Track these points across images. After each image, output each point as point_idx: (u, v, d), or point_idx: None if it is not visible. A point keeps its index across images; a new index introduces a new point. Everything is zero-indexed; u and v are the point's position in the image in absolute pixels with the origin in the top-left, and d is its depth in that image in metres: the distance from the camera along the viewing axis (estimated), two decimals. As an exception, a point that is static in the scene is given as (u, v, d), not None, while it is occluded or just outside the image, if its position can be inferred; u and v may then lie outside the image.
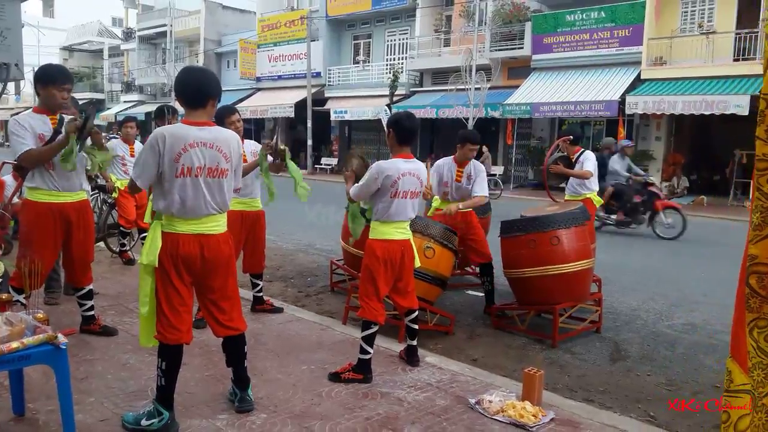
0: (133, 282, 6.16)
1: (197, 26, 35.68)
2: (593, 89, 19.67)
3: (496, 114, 21.62)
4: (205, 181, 2.98)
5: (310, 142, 28.06)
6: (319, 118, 28.08)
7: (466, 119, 21.58)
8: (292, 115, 28.86)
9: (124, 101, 41.72)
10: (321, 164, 28.80)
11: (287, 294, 6.32)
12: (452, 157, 5.63)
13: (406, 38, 26.84)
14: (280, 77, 31.14)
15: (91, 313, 4.48)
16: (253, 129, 32.66)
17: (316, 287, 6.64)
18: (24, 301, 4.00)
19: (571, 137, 6.58)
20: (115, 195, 6.82)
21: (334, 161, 28.84)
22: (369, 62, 28.18)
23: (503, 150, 23.80)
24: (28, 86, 6.83)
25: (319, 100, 28.49)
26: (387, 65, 26.85)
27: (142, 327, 3.11)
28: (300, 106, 28.27)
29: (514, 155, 22.69)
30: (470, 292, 6.57)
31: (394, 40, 27.73)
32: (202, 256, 3.02)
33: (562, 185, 6.98)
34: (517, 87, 21.81)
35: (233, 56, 33.52)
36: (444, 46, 25.38)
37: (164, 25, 36.89)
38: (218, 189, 3.03)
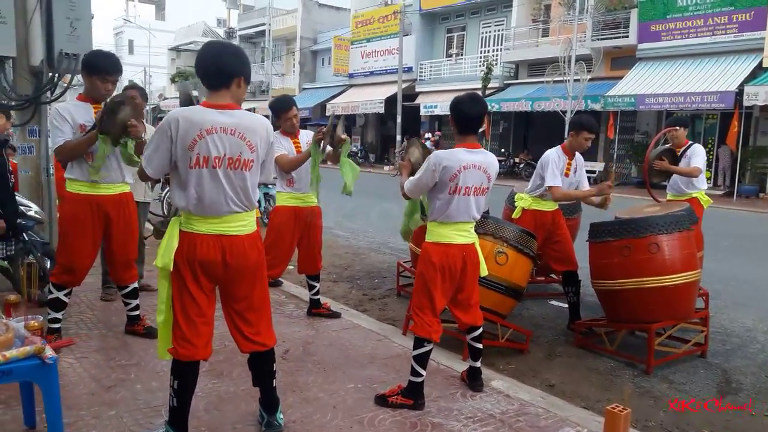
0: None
1: (294, 24, 36.29)
2: (706, 79, 17.94)
3: (597, 107, 20.28)
4: (226, 174, 2.57)
5: (399, 137, 27.69)
6: (409, 113, 27.66)
7: (564, 112, 20.40)
8: (382, 110, 28.65)
9: (225, 99, 43.20)
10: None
11: (350, 296, 5.90)
12: (560, 147, 4.89)
13: (502, 29, 25.86)
14: (371, 73, 31.01)
15: (136, 313, 4.24)
16: (345, 125, 32.81)
17: (382, 290, 6.17)
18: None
19: (678, 127, 5.70)
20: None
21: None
22: (462, 55, 27.41)
23: (604, 145, 22.32)
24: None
25: (410, 95, 28.07)
26: (480, 58, 25.96)
27: (161, 337, 2.75)
28: (390, 101, 27.98)
29: (616, 150, 21.21)
30: (554, 302, 5.86)
31: (489, 31, 26.81)
32: (224, 261, 2.62)
33: (666, 183, 6.09)
34: (620, 78, 20.37)
35: (328, 53, 33.78)
36: (542, 36, 24.19)
37: (263, 25, 37.89)
38: (241, 183, 2.61)
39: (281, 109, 4.50)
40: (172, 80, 50.21)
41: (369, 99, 29.49)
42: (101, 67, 3.78)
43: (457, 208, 3.26)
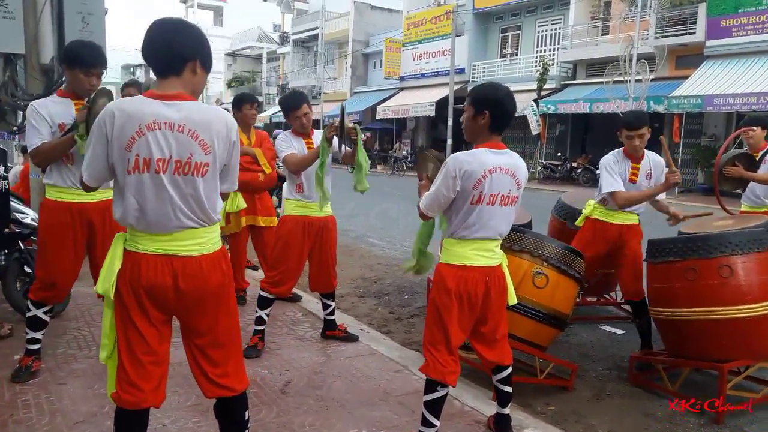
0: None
1: (346, 28, 36.13)
2: (783, 77, 16.55)
3: (660, 108, 19.08)
4: (173, 180, 2.07)
5: (450, 141, 26.98)
6: (461, 115, 26.84)
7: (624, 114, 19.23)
8: (433, 113, 28.03)
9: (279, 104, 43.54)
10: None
11: (375, 315, 5.35)
12: (621, 150, 4.29)
13: (559, 28, 24.85)
14: (423, 75, 30.46)
15: None
16: (395, 129, 32.33)
17: (411, 308, 5.59)
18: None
19: (755, 127, 4.91)
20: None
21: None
22: (517, 55, 26.51)
23: (668, 149, 21.00)
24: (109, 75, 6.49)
25: (462, 97, 27.10)
26: (536, 58, 25.00)
27: (108, 376, 2.28)
28: (442, 104, 27.32)
29: (681, 155, 19.88)
30: (606, 327, 5.14)
31: (546, 30, 25.83)
32: (176, 287, 2.11)
33: (740, 192, 5.28)
34: (686, 77, 19.11)
35: (379, 56, 33.41)
36: (602, 34, 23.07)
37: (316, 29, 37.89)
38: (193, 192, 2.10)
39: (290, 107, 4.01)
40: (228, 85, 51.06)
41: (420, 102, 28.93)
42: (84, 58, 3.37)
43: (480, 221, 2.67)
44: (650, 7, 20.04)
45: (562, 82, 23.96)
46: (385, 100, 31.93)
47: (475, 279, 2.70)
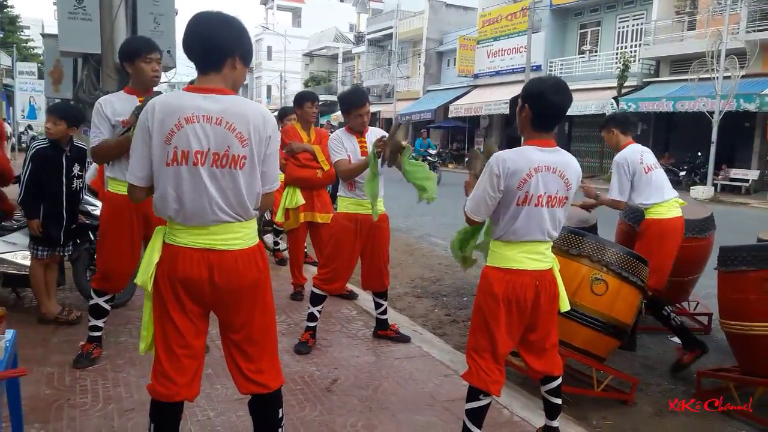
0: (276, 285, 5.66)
1: (421, 26, 36.02)
2: None
3: (751, 107, 17.93)
4: (211, 173, 2.08)
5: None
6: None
7: (711, 113, 18.22)
8: (507, 111, 27.45)
9: (353, 101, 43.95)
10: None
11: (431, 316, 5.27)
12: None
13: (641, 23, 23.76)
14: (497, 73, 29.93)
15: None
16: (467, 127, 31.98)
17: (468, 311, 5.47)
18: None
19: None
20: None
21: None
22: (596, 52, 25.58)
23: (760, 150, 19.73)
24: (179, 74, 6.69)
25: (538, 95, 26.60)
26: (616, 54, 24.05)
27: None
28: (516, 102, 26.70)
29: (774, 157, 18.65)
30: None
31: (627, 26, 24.78)
32: (211, 281, 2.13)
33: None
34: (780, 74, 17.83)
35: (453, 54, 33.09)
36: (687, 29, 21.90)
37: (390, 28, 37.98)
38: (231, 185, 2.10)
39: (353, 104, 3.95)
40: (305, 84, 52.07)
41: (493, 99, 28.43)
42: (139, 47, 3.48)
43: (528, 223, 2.55)
44: (742, -1, 18.86)
45: (644, 80, 22.92)
46: (458, 98, 31.61)
47: (524, 283, 2.58)
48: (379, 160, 3.63)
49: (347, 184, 3.96)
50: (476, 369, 2.61)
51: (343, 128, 4.04)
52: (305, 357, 3.87)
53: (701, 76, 18.37)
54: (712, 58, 18.01)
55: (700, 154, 20.05)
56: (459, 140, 33.80)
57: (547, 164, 2.53)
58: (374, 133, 4.07)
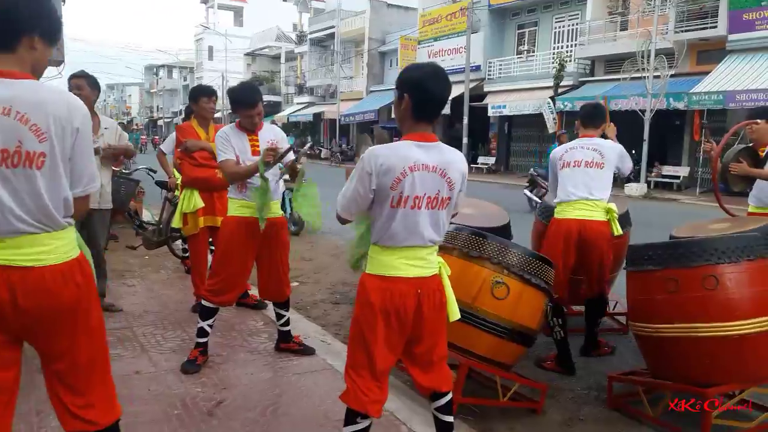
0: (179, 296, 5.29)
1: (363, 26, 35.81)
2: (810, 72, 15.79)
3: (680, 105, 18.43)
4: (2, 175, 1.75)
5: (465, 140, 26.48)
6: (477, 114, 26.37)
7: (643, 111, 18.63)
8: (449, 111, 27.45)
9: (297, 103, 43.45)
10: (477, 163, 27.16)
11: (345, 324, 4.95)
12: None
13: (576, 23, 24.17)
14: (439, 73, 29.94)
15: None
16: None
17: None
18: None
19: (760, 121, 4.44)
20: (177, 193, 5.98)
21: (491, 160, 27.11)
22: (534, 52, 25.91)
23: (689, 147, 20.30)
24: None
25: (478, 95, 26.80)
26: (553, 54, 24.40)
27: None
28: (458, 102, 26.78)
29: (702, 154, 19.17)
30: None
31: (563, 26, 25.17)
32: (15, 304, 1.79)
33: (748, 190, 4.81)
34: (707, 73, 18.40)
35: (396, 55, 33.00)
36: (620, 29, 22.38)
37: (333, 27, 37.63)
38: (28, 188, 1.78)
39: (240, 104, 3.61)
40: (248, 85, 51.03)
41: (435, 100, 28.40)
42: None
43: (405, 227, 2.29)
44: (669, 0, 19.36)
45: (580, 79, 23.32)
46: (400, 98, 31.51)
47: (403, 292, 2.32)
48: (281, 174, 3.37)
49: (238, 186, 3.64)
50: (354, 389, 2.34)
51: (233, 124, 3.71)
52: (192, 377, 3.53)
53: (633, 76, 18.78)
54: (643, 57, 18.42)
55: (633, 152, 20.45)
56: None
57: (425, 163, 2.28)
58: (270, 132, 3.77)
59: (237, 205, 3.65)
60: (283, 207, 8.72)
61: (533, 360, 4.13)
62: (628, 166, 4.26)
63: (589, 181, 4.04)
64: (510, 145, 27.82)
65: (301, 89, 43.79)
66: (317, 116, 39.88)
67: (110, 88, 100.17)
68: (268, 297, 3.94)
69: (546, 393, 3.47)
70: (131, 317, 4.63)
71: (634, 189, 18.38)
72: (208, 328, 3.72)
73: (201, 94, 4.66)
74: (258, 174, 3.38)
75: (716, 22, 18.39)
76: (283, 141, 3.76)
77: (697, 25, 18.92)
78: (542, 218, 4.69)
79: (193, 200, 4.55)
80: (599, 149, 4.11)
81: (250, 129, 3.67)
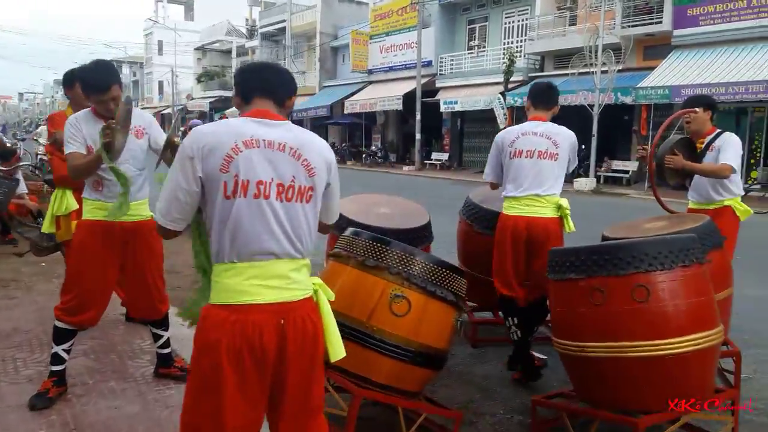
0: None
1: (314, 20, 35.05)
2: (751, 67, 15.93)
3: (628, 100, 18.44)
4: None
5: (418, 136, 26.14)
6: (430, 110, 26.01)
7: (591, 106, 18.56)
8: (401, 107, 27.09)
9: (247, 98, 42.35)
10: (431, 159, 26.84)
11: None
12: None
13: (526, 18, 24.04)
14: (391, 68, 29.56)
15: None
16: (365, 123, 31.40)
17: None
18: None
19: (698, 108, 4.08)
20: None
21: (445, 156, 26.80)
22: (485, 48, 25.68)
23: (637, 142, 20.33)
24: None
25: (430, 90, 26.45)
26: (504, 50, 24.20)
27: None
28: (410, 97, 26.42)
29: (650, 148, 19.21)
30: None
31: (513, 21, 25.05)
32: None
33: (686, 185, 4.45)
34: (653, 68, 18.45)
35: (348, 50, 32.39)
36: (569, 24, 22.31)
37: (284, 21, 36.75)
38: None
39: (93, 89, 2.96)
40: (198, 80, 49.63)
41: (388, 95, 27.97)
42: None
43: (250, 225, 1.77)
44: (617, -5, 19.35)
45: (530, 74, 23.16)
46: (353, 93, 30.96)
47: (259, 323, 1.78)
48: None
49: (92, 183, 3.05)
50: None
51: (88, 109, 3.11)
52: (39, 414, 2.93)
53: (581, 71, 18.69)
54: (591, 52, 18.33)
55: (584, 147, 20.42)
56: (357, 137, 33.15)
57: (267, 138, 1.78)
58: (139, 119, 3.18)
59: (91, 207, 3.06)
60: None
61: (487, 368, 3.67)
62: (574, 164, 3.81)
63: (540, 174, 3.58)
64: (463, 141, 27.56)
65: (252, 85, 42.67)
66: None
67: (58, 84, 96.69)
68: (138, 314, 3.37)
69: (461, 421, 2.99)
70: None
71: (584, 184, 18.29)
72: (64, 354, 3.12)
73: (76, 79, 4.03)
74: (106, 165, 2.80)
75: (661, 17, 18.43)
76: (151, 127, 3.19)
77: (643, 20, 18.95)
78: (466, 217, 4.24)
79: (65, 201, 3.92)
80: (553, 138, 3.64)
81: (109, 115, 3.07)
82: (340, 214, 3.95)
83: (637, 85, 17.92)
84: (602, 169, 19.97)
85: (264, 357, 1.79)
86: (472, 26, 26.81)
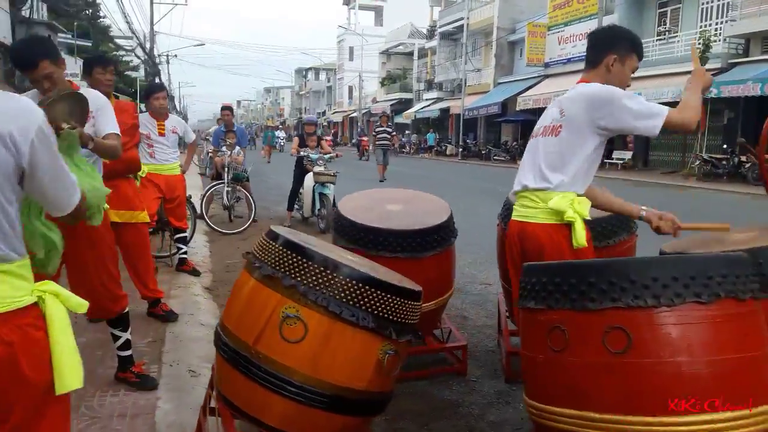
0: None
1: (491, 15, 34.08)
2: None
3: None
4: None
5: (595, 132, 23.95)
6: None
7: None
8: (577, 103, 25.06)
9: (425, 99, 42.69)
10: (611, 158, 24.42)
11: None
12: None
13: (729, -3, 20.81)
14: (569, 60, 27.56)
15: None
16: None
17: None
18: None
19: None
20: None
21: (627, 154, 24.23)
22: (676, 33, 22.76)
23: None
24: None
25: (611, 83, 24.08)
26: (698, 33, 21.20)
27: None
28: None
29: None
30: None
31: (712, 1, 21.81)
32: None
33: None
34: None
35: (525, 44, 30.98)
36: (783, -1, 18.84)
37: (462, 19, 36.28)
38: None
39: (21, 66, 2.67)
40: (381, 83, 51.22)
41: (565, 89, 25.94)
42: None
43: None
44: None
45: (730, 61, 20.01)
46: (527, 89, 29.49)
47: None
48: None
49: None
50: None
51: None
52: None
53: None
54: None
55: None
56: (529, 134, 31.57)
57: None
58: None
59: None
60: (313, 203, 7.89)
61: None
62: (616, 123, 2.45)
63: (534, 159, 2.61)
64: (649, 138, 24.73)
65: (430, 85, 42.94)
66: (444, 111, 38.78)
67: (267, 92, 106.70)
68: (91, 314, 3.08)
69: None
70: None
71: None
72: None
73: (95, 64, 3.93)
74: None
75: None
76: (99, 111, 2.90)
77: None
78: (502, 220, 3.38)
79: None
80: (564, 101, 2.62)
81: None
82: (338, 213, 3.37)
83: None
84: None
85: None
86: (663, 9, 23.93)
